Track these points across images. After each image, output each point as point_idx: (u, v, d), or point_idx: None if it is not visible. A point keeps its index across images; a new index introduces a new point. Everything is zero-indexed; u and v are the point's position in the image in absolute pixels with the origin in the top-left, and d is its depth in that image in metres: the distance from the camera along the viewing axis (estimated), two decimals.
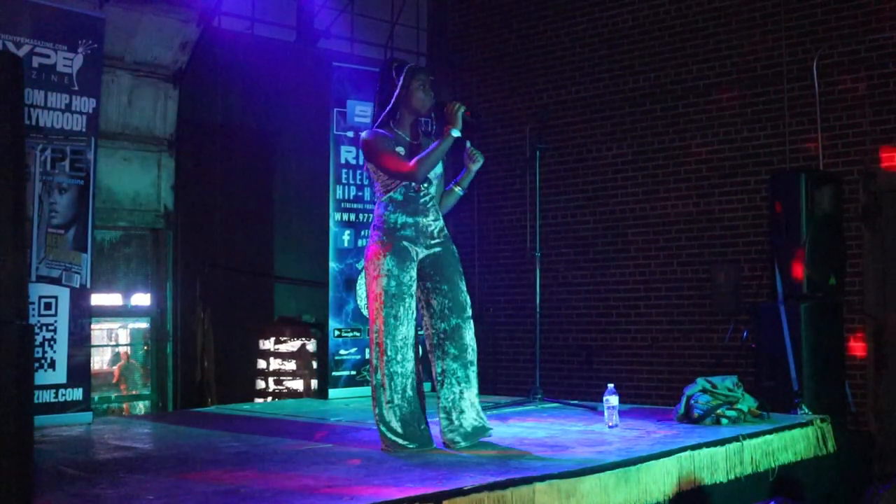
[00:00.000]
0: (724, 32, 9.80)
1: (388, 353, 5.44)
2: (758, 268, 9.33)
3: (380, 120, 5.70)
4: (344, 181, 8.48)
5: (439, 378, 5.60)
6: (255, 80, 10.42)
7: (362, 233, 8.52)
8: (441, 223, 5.75)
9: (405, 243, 5.54)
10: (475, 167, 5.79)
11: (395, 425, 5.42)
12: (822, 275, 8.02)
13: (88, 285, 6.82)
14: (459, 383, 5.58)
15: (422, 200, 5.64)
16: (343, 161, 8.49)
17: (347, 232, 8.45)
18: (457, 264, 5.73)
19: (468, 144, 5.81)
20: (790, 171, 8.81)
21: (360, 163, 8.55)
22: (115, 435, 6.33)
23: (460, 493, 4.17)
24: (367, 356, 5.68)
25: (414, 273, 5.57)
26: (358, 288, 8.47)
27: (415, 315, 5.57)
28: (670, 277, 10.03)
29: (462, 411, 5.56)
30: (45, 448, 5.58)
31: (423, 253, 5.62)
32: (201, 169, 10.15)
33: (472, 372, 5.63)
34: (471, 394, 5.60)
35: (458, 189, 5.85)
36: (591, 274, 10.60)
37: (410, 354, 5.51)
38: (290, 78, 10.65)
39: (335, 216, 8.42)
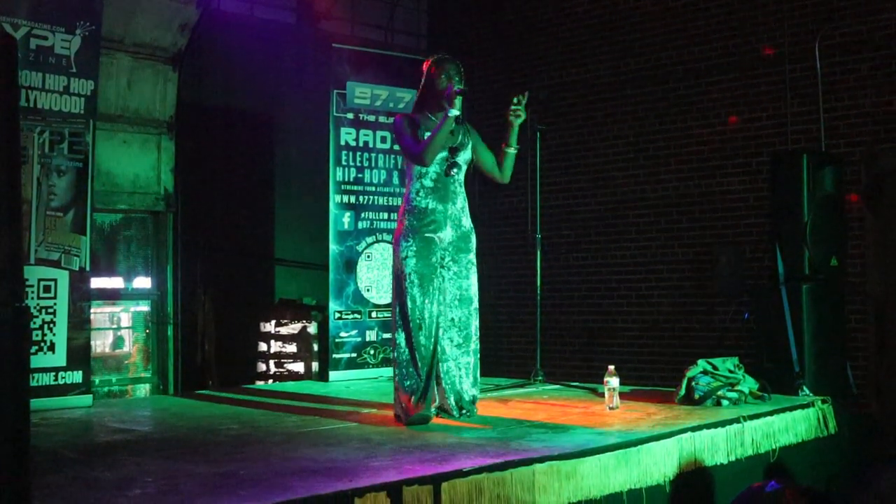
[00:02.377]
0: (726, 13, 9.75)
1: (414, 327, 5.75)
2: (759, 249, 9.31)
3: (413, 107, 6.10)
4: (344, 163, 8.46)
5: (443, 359, 5.90)
6: (254, 61, 10.38)
7: (362, 215, 8.51)
8: (467, 210, 6.03)
9: (433, 227, 5.83)
10: (518, 122, 6.00)
11: (416, 396, 5.70)
12: (823, 256, 8.00)
13: (88, 268, 6.80)
14: (459, 370, 5.92)
15: (451, 187, 5.92)
16: (343, 143, 8.46)
17: (348, 214, 8.43)
18: (474, 256, 6.02)
19: (514, 100, 6.03)
20: (792, 153, 8.78)
21: (360, 144, 8.55)
22: (115, 417, 6.34)
23: (460, 474, 4.17)
24: (393, 330, 5.93)
25: (439, 256, 5.87)
26: (358, 270, 8.46)
27: (437, 295, 5.84)
28: (671, 259, 10.01)
29: (456, 395, 5.93)
30: (44, 431, 5.58)
31: (447, 239, 5.89)
32: (201, 151, 10.13)
33: (473, 361, 5.97)
34: (467, 381, 5.95)
35: (509, 149, 6.06)
36: (593, 256, 10.58)
37: (433, 331, 5.81)
38: (289, 60, 10.63)
39: (335, 198, 8.41)
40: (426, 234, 5.82)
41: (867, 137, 8.88)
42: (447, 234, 5.89)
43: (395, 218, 8.58)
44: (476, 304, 6.01)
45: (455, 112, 5.71)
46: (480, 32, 11.65)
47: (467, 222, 6.01)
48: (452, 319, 5.91)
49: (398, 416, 5.84)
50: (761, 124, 9.47)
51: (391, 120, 8.65)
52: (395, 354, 5.88)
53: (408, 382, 5.76)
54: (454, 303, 5.92)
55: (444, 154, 5.86)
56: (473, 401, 5.99)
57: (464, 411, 5.91)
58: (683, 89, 10.00)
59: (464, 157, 5.96)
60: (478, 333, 6.03)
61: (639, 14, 10.37)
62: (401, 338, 5.82)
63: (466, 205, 6.03)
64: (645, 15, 10.32)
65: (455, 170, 5.91)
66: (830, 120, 9.04)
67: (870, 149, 8.86)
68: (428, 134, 5.80)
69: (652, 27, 10.26)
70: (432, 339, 5.81)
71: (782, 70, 9.34)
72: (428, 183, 5.87)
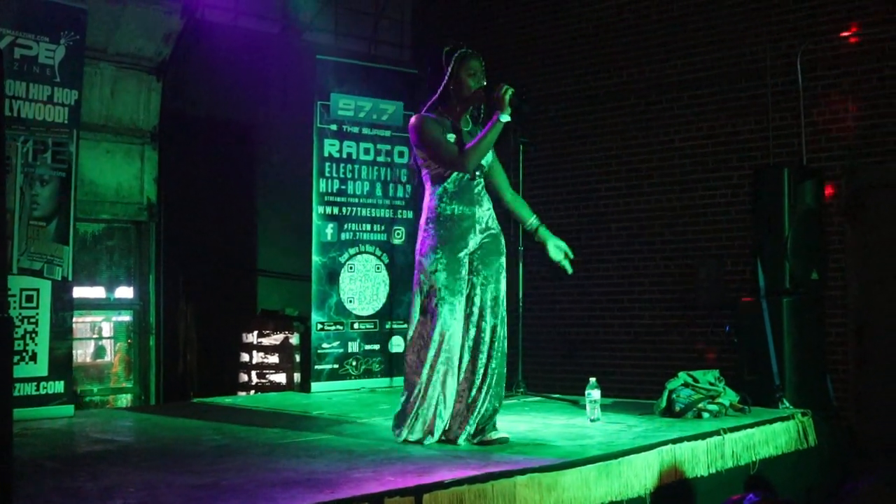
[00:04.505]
0: (709, 27, 9.81)
1: (447, 350, 5.32)
2: (740, 262, 9.35)
3: (428, 105, 5.59)
4: (327, 174, 8.46)
5: (475, 378, 5.41)
6: (238, 72, 10.38)
7: (345, 226, 8.51)
8: (492, 212, 5.65)
9: (460, 235, 5.43)
10: (555, 257, 5.97)
11: (438, 422, 5.33)
12: (804, 270, 8.04)
13: (70, 278, 6.79)
14: (489, 387, 5.43)
15: (476, 190, 5.54)
16: (326, 154, 8.47)
17: (331, 225, 8.43)
18: (503, 260, 5.61)
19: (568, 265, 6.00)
20: (773, 166, 8.83)
21: (344, 156, 8.54)
22: (97, 428, 6.32)
23: (440, 486, 4.17)
24: (410, 351, 5.48)
25: (467, 266, 5.45)
26: (341, 282, 8.46)
27: (467, 310, 5.43)
28: (653, 272, 10.05)
29: (485, 415, 5.43)
30: (25, 441, 5.56)
31: (475, 244, 5.50)
32: (184, 161, 10.11)
33: (501, 376, 5.50)
34: (497, 399, 5.47)
35: (533, 225, 5.94)
36: (575, 268, 10.54)
37: (465, 350, 5.40)
38: (273, 70, 10.63)
39: (318, 209, 8.41)
40: (456, 244, 5.40)
41: (848, 152, 8.94)
42: (475, 240, 5.48)
43: (379, 229, 8.67)
44: (503, 312, 5.55)
45: (506, 118, 5.34)
46: (464, 44, 11.63)
47: (495, 225, 5.62)
48: (486, 330, 5.44)
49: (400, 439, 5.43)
50: (743, 138, 9.52)
51: (374, 132, 8.69)
52: (414, 377, 5.40)
53: (426, 411, 5.33)
54: (485, 311, 5.45)
55: None
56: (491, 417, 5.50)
57: (479, 436, 5.42)
58: (666, 102, 10.04)
59: (486, 158, 5.59)
60: (504, 344, 5.54)
61: (623, 27, 10.41)
62: (423, 359, 5.35)
63: (492, 206, 5.66)
64: (628, 28, 10.37)
65: (478, 172, 5.53)
66: (812, 134, 9.10)
67: (851, 163, 8.91)
68: (452, 137, 5.45)
69: (635, 41, 10.31)
70: (463, 360, 5.40)
71: (764, 84, 9.39)
72: (451, 188, 5.45)
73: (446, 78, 5.54)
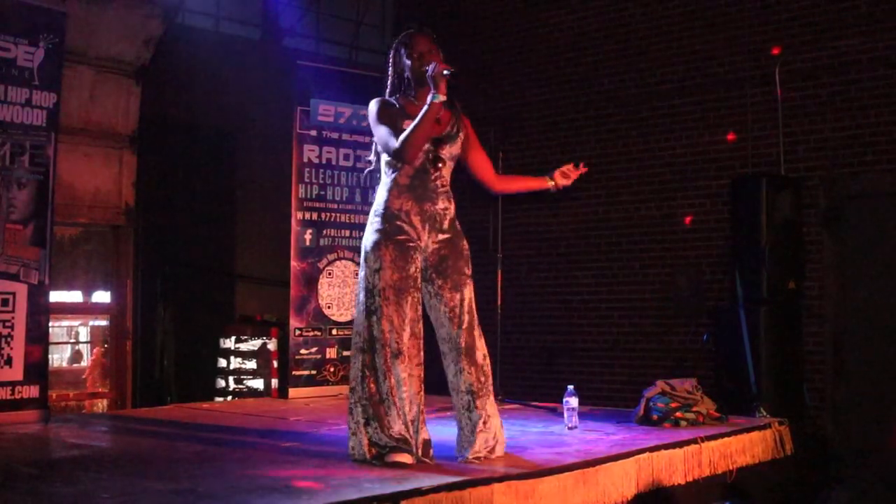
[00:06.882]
0: (689, 38, 9.84)
1: (391, 355, 4.84)
2: (719, 271, 9.38)
3: (389, 89, 5.22)
4: (307, 180, 8.46)
5: (452, 388, 5.08)
6: (219, 77, 10.37)
7: (324, 232, 8.50)
8: (452, 212, 5.13)
9: (408, 232, 4.95)
10: (559, 183, 5.52)
11: (395, 437, 4.83)
12: (781, 279, 8.08)
13: (47, 282, 6.74)
14: (471, 399, 5.05)
15: (431, 185, 5.03)
16: (306, 160, 8.46)
17: (309, 231, 8.42)
18: (466, 265, 5.18)
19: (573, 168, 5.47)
20: (751, 176, 8.87)
21: (323, 161, 8.54)
22: (72, 433, 6.27)
23: (418, 492, 4.16)
24: (356, 355, 4.95)
25: (419, 265, 4.99)
26: (319, 287, 8.45)
27: (420, 311, 4.98)
28: (632, 280, 10.07)
29: (473, 429, 5.03)
30: (0, 446, 5.52)
31: (430, 246, 5.03)
32: (163, 166, 10.08)
33: (484, 385, 5.11)
34: (484, 410, 5.06)
35: (548, 185, 5.51)
36: (554, 276, 10.61)
37: (416, 354, 4.93)
38: (254, 76, 10.61)
39: (297, 215, 8.40)
40: (402, 241, 4.91)
41: (826, 162, 8.98)
42: (428, 242, 5.00)
43: (357, 235, 8.65)
44: (468, 323, 5.08)
45: (440, 97, 4.85)
46: (444, 52, 11.65)
47: (452, 227, 5.11)
48: (452, 340, 5.03)
49: (357, 457, 4.90)
50: (722, 148, 9.55)
51: (354, 138, 8.68)
52: (359, 388, 4.90)
53: (377, 426, 4.83)
54: (449, 321, 5.04)
55: (426, 145, 4.98)
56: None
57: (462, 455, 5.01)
58: (646, 111, 10.07)
59: (451, 151, 5.10)
60: (484, 351, 5.17)
61: (603, 36, 10.44)
62: (372, 369, 4.87)
63: (452, 206, 5.12)
64: (609, 37, 10.40)
65: (440, 164, 5.03)
66: (790, 144, 9.14)
67: (828, 173, 8.96)
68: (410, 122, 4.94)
69: (615, 50, 10.34)
70: (417, 370, 4.91)
71: (743, 94, 9.43)
72: (404, 180, 4.97)
73: (391, 60, 5.25)
